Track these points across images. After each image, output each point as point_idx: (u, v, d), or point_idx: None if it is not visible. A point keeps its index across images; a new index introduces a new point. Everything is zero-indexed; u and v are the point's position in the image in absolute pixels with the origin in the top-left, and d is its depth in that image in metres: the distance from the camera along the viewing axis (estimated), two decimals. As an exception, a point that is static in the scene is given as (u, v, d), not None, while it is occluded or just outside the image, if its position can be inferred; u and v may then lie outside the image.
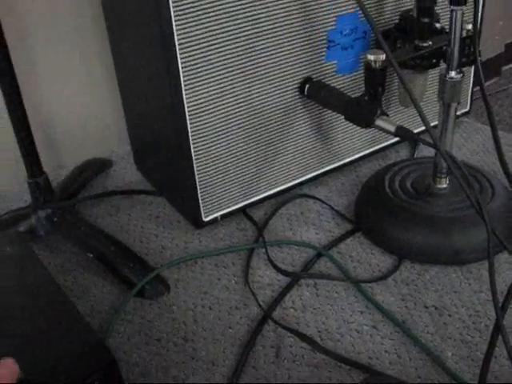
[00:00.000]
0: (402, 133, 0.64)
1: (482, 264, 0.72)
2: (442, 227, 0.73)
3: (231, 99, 0.75)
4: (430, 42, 0.73)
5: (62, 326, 0.58)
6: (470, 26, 0.72)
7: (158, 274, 0.74)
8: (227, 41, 0.71)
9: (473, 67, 0.98)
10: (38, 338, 0.55)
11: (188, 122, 0.73)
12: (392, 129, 0.65)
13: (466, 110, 1.08)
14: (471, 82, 1.06)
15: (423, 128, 0.80)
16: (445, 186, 0.78)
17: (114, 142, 1.07)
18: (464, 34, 0.72)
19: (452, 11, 0.68)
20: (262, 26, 0.73)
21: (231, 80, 0.73)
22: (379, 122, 0.66)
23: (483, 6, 0.94)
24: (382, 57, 0.64)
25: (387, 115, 0.67)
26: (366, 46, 0.85)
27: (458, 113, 1.04)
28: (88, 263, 0.76)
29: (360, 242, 0.78)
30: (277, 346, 0.64)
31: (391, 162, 0.88)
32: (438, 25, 0.76)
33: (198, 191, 0.79)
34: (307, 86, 0.78)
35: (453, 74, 0.70)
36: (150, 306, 0.70)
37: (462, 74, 0.71)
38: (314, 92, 0.77)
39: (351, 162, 0.93)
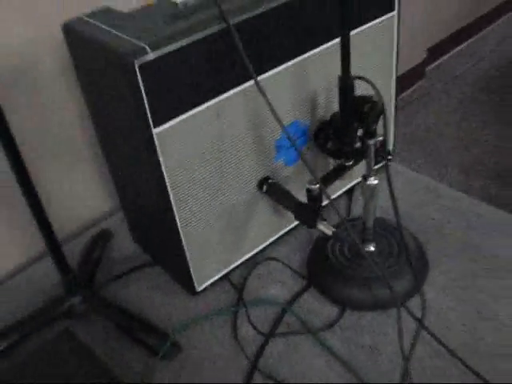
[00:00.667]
0: (337, 236, 0.92)
1: (401, 309, 1.02)
2: (369, 284, 1.02)
3: (207, 193, 1.00)
4: (351, 162, 1.00)
5: None
6: (381, 138, 0.99)
7: (174, 340, 1.01)
8: (203, 154, 0.96)
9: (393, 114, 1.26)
10: None
11: (175, 211, 0.97)
12: (329, 233, 0.93)
13: (390, 157, 1.36)
14: (392, 132, 1.34)
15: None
16: (372, 249, 1.07)
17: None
18: (378, 144, 0.99)
19: (368, 144, 0.95)
20: (227, 144, 0.98)
21: (207, 181, 0.98)
22: (320, 227, 0.94)
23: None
24: (317, 188, 0.91)
25: (325, 220, 0.95)
26: (305, 141, 1.12)
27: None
28: (119, 335, 1.03)
29: (313, 296, 1.07)
30: (264, 390, 0.93)
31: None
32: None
33: (191, 269, 1.06)
34: (265, 186, 1.05)
35: (371, 179, 0.97)
36: (167, 367, 0.98)
37: (377, 180, 0.98)
38: (271, 193, 1.04)
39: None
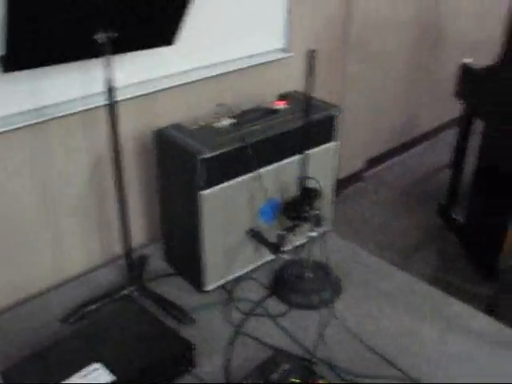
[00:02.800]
0: (290, 262, 1.70)
1: (324, 309, 1.77)
2: (307, 295, 1.79)
3: (221, 233, 1.77)
4: (302, 222, 1.80)
5: (160, 334, 1.58)
6: (318, 212, 1.78)
7: (191, 316, 1.75)
8: (222, 210, 1.74)
9: (330, 201, 2.06)
10: (148, 338, 1.54)
11: (203, 240, 1.74)
12: (286, 258, 1.71)
13: (330, 229, 2.16)
14: (332, 211, 2.14)
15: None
16: (310, 275, 1.84)
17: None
18: (316, 215, 1.78)
19: (310, 213, 1.75)
20: (234, 207, 1.77)
21: (221, 226, 1.76)
22: (280, 254, 1.73)
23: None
24: (283, 233, 1.70)
25: (285, 253, 1.74)
26: (278, 209, 1.91)
27: (325, 230, 2.11)
28: (159, 312, 1.76)
29: (274, 300, 1.83)
30: (247, 347, 1.67)
31: (287, 260, 1.93)
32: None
33: (205, 276, 1.81)
34: (251, 232, 1.84)
35: (311, 233, 1.76)
36: (186, 329, 1.71)
37: (315, 233, 1.76)
38: (255, 237, 1.83)
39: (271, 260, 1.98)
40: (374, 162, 3.19)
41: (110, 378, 1.43)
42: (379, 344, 1.66)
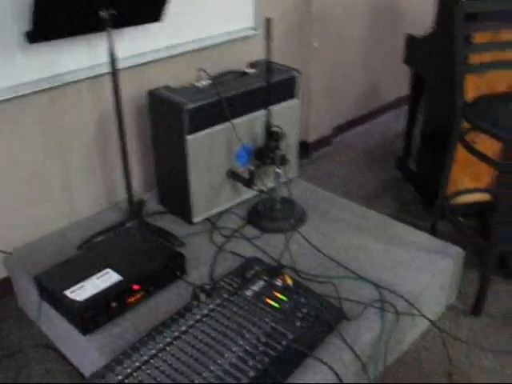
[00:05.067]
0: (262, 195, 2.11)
1: (291, 232, 2.19)
2: (277, 221, 2.20)
3: (204, 171, 2.19)
4: (269, 161, 2.21)
5: (158, 248, 1.99)
6: (284, 152, 2.20)
7: (182, 240, 2.16)
8: (204, 152, 2.15)
9: (295, 147, 2.47)
10: (148, 252, 1.95)
11: (189, 178, 2.15)
12: (257, 190, 2.13)
13: (297, 175, 2.58)
14: (296, 159, 2.56)
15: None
16: (279, 207, 2.26)
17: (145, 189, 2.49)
18: (282, 155, 2.19)
19: (276, 153, 2.16)
20: (214, 150, 2.18)
21: (204, 165, 2.17)
22: (253, 187, 2.14)
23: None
24: (253, 169, 2.12)
25: (256, 186, 2.15)
26: (251, 153, 2.32)
27: (291, 177, 2.53)
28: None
29: (249, 227, 2.24)
30: (227, 260, 2.08)
31: (261, 198, 2.35)
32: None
33: (192, 210, 2.22)
34: (229, 173, 2.25)
35: (277, 170, 2.18)
36: (180, 249, 2.12)
37: (280, 170, 2.18)
38: (232, 176, 2.24)
39: (249, 198, 2.39)
40: (341, 128, 3.61)
41: (119, 277, 1.84)
42: (334, 254, 2.08)
